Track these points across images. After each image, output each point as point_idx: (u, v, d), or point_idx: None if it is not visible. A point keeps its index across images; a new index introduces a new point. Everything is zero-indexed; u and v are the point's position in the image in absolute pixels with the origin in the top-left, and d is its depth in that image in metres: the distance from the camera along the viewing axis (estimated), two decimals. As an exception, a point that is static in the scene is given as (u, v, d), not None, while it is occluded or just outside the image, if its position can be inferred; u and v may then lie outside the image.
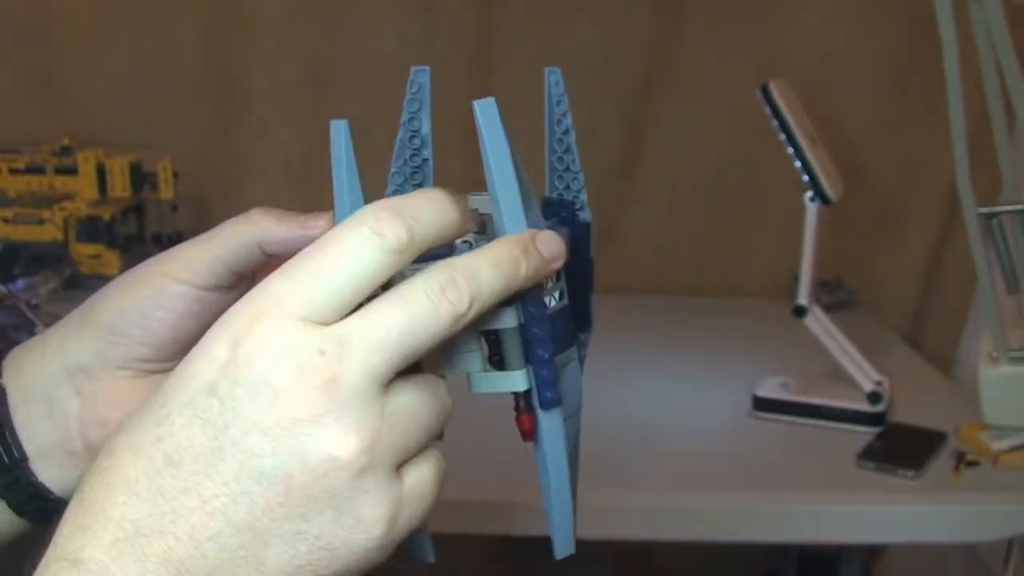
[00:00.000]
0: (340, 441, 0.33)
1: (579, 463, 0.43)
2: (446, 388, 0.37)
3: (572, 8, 1.67)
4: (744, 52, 1.64)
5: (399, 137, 0.44)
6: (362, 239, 0.34)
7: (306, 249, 0.35)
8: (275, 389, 0.33)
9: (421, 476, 0.36)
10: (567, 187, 0.45)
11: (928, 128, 1.56)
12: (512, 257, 0.37)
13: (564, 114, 0.44)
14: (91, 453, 0.46)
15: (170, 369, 0.46)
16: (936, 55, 0.97)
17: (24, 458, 0.46)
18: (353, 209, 0.37)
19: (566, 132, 0.44)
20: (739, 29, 1.67)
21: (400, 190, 0.45)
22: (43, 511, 0.47)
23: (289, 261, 0.35)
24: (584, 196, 0.45)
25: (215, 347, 0.34)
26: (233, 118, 1.73)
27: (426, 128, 0.44)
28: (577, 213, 0.45)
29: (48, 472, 0.47)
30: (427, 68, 0.43)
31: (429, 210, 0.36)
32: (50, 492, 0.47)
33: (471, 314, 0.35)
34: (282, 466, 0.33)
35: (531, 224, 0.38)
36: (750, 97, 1.21)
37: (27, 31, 1.71)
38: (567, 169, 0.45)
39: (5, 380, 0.47)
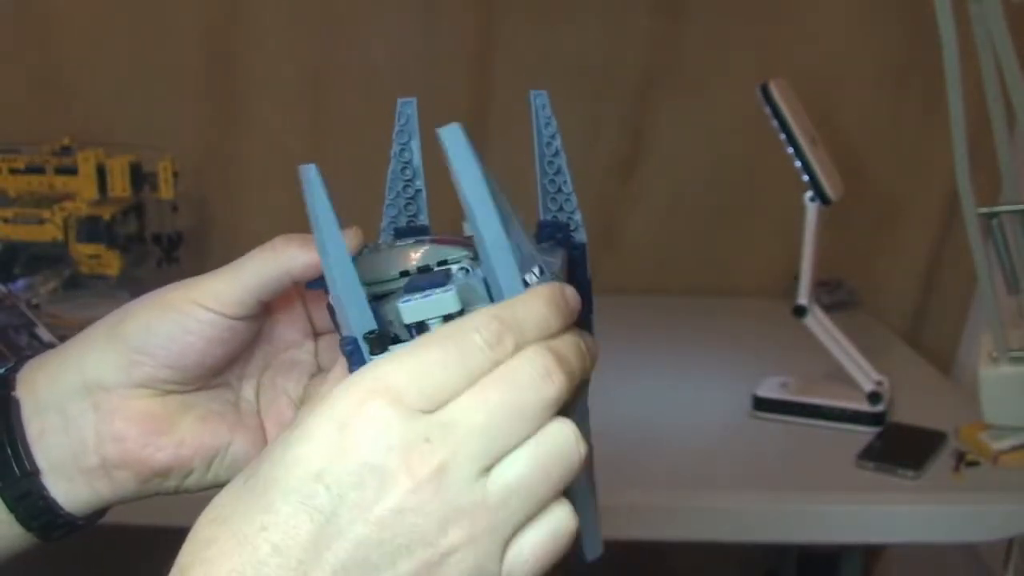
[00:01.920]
0: (445, 531, 0.33)
1: (595, 466, 0.43)
2: (577, 434, 0.36)
3: (572, 8, 1.67)
4: (744, 52, 1.64)
5: (390, 169, 0.44)
6: (478, 348, 0.35)
7: (421, 340, 0.36)
8: (382, 477, 0.33)
9: (530, 544, 0.35)
10: (560, 209, 0.45)
11: (928, 128, 1.56)
12: (588, 344, 0.38)
13: (553, 136, 0.43)
14: (105, 468, 0.46)
15: (189, 391, 0.47)
16: (936, 55, 0.97)
17: (36, 471, 0.46)
18: (337, 256, 0.37)
19: (556, 154, 0.44)
20: (739, 29, 1.67)
21: (394, 222, 0.45)
22: (50, 527, 0.47)
23: (402, 350, 0.35)
24: (578, 217, 0.45)
25: (319, 430, 0.34)
26: (233, 118, 1.73)
27: (417, 159, 0.44)
28: (572, 234, 0.45)
29: (59, 486, 0.46)
30: (413, 99, 0.43)
31: (535, 317, 0.36)
32: (60, 507, 0.46)
33: (564, 398, 0.36)
34: (388, 555, 0.33)
35: (513, 244, 0.37)
36: (750, 97, 1.20)
37: (27, 31, 1.71)
38: (559, 191, 0.44)
39: (19, 393, 0.47)
